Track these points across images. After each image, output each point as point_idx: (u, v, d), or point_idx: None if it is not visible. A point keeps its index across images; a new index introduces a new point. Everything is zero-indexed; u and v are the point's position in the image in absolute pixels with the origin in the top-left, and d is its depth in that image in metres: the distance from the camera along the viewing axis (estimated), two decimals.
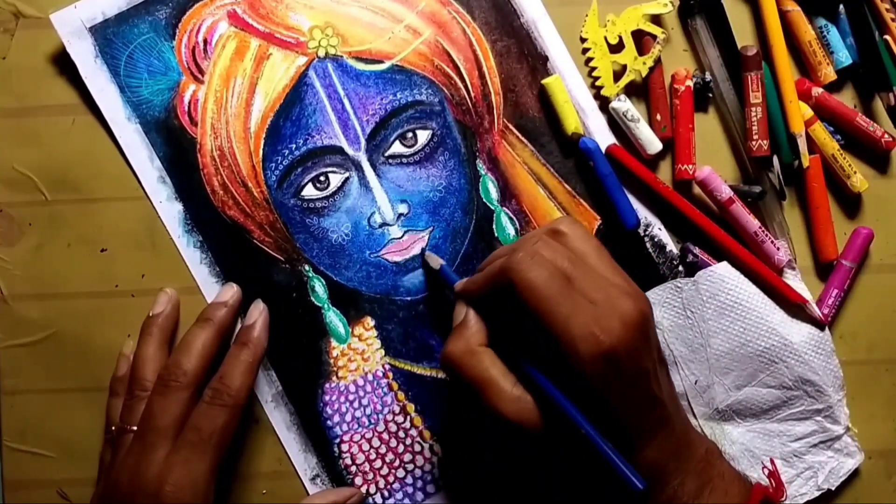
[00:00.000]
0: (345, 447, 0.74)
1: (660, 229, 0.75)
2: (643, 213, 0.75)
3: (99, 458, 0.73)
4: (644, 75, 0.74)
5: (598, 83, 0.75)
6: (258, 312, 0.73)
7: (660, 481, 0.61)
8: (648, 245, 0.75)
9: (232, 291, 0.73)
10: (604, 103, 0.75)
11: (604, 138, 0.75)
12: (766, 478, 0.69)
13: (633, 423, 0.60)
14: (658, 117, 0.74)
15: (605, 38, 0.74)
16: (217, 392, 0.68)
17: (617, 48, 0.74)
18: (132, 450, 0.67)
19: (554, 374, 0.60)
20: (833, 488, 0.73)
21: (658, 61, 0.75)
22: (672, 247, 0.75)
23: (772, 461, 0.71)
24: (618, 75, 0.75)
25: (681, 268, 0.75)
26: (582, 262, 0.62)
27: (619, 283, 0.62)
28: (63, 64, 0.74)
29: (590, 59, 0.75)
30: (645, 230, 0.75)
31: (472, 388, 0.62)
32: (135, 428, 0.68)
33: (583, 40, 0.75)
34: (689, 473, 0.62)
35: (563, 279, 0.60)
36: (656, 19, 0.75)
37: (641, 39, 0.75)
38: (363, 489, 0.73)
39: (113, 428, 0.71)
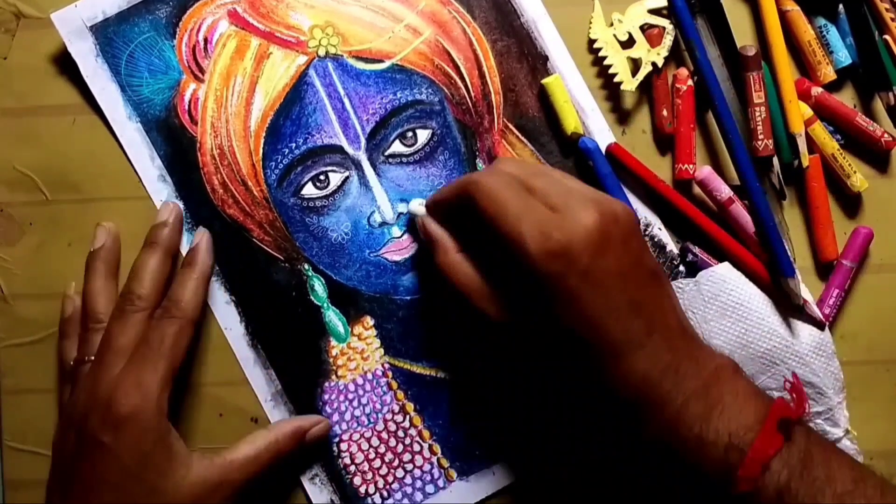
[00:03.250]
0: (344, 446, 0.74)
1: (660, 229, 0.75)
2: (643, 213, 0.75)
3: (57, 400, 0.73)
4: (661, 66, 0.74)
5: (616, 79, 0.74)
6: (200, 236, 0.73)
7: (655, 401, 0.59)
8: (648, 245, 0.75)
9: (169, 209, 0.73)
10: (617, 105, 0.76)
11: (603, 138, 0.75)
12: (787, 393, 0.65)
13: (605, 329, 0.59)
14: (664, 112, 0.74)
15: (615, 36, 0.74)
16: (165, 308, 0.69)
17: (626, 44, 0.75)
18: (90, 372, 0.68)
19: (515, 283, 0.61)
20: None
21: (670, 51, 0.75)
22: (672, 247, 0.75)
23: (794, 374, 0.69)
24: (631, 71, 0.75)
25: (681, 267, 0.75)
26: (545, 174, 0.63)
27: (585, 192, 0.62)
28: (64, 63, 0.74)
29: (603, 58, 0.74)
30: (645, 230, 0.75)
31: (460, 293, 0.65)
32: (93, 357, 0.69)
33: (592, 41, 0.75)
34: (693, 394, 0.59)
35: (521, 187, 0.62)
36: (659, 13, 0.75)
37: (645, 35, 0.75)
38: (362, 489, 0.73)
39: (71, 362, 0.71)
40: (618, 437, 0.64)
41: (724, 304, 0.72)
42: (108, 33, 0.74)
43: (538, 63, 0.76)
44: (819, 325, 0.73)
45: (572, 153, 0.75)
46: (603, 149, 0.74)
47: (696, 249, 0.73)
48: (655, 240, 0.75)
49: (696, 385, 0.59)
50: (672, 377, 0.59)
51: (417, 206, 0.72)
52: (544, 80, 0.75)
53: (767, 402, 0.60)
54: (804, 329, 0.73)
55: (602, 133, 0.75)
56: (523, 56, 0.76)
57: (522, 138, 0.75)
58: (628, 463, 0.69)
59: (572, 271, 0.58)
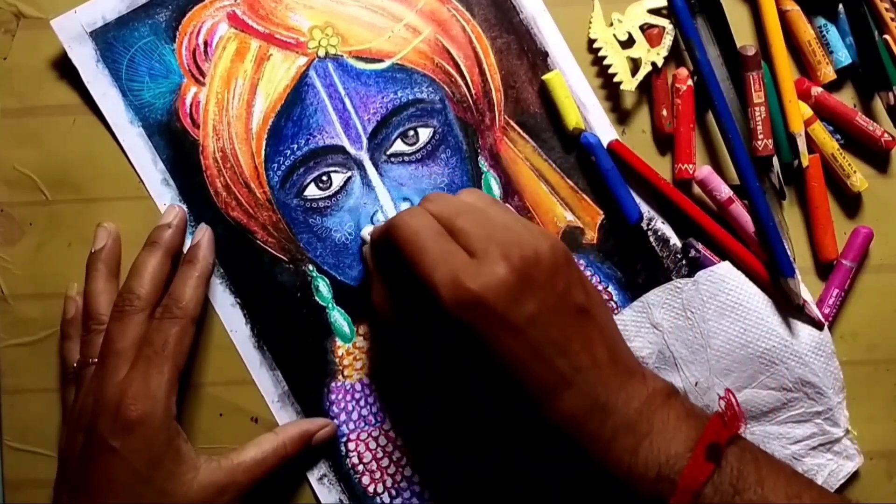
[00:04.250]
0: (352, 446, 0.74)
1: (663, 223, 0.75)
2: (645, 208, 0.75)
3: (60, 401, 0.74)
4: (660, 66, 0.74)
5: (615, 79, 0.74)
6: (202, 233, 0.73)
7: (584, 439, 0.59)
8: (652, 239, 0.75)
9: (175, 212, 0.73)
10: (616, 105, 0.76)
11: (605, 133, 0.75)
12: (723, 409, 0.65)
13: (527, 371, 0.59)
14: (664, 112, 0.74)
15: (615, 36, 0.74)
16: (166, 307, 0.69)
17: (626, 44, 0.75)
18: (95, 375, 0.68)
19: (437, 325, 0.61)
20: (832, 491, 0.73)
21: (670, 51, 0.75)
22: (675, 240, 0.75)
23: (727, 391, 0.70)
24: (631, 71, 0.75)
25: (684, 261, 0.75)
26: (470, 213, 0.63)
27: (509, 232, 0.62)
28: (64, 67, 0.74)
29: (603, 58, 0.75)
30: (648, 224, 0.75)
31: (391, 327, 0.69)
32: (96, 360, 0.69)
33: (591, 41, 0.75)
34: (622, 428, 0.59)
35: (439, 230, 0.61)
36: (658, 13, 0.75)
37: (645, 35, 0.75)
38: (370, 488, 0.74)
39: (75, 365, 0.71)
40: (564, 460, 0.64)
41: (722, 304, 0.73)
42: (108, 38, 0.73)
43: (538, 59, 0.76)
44: (818, 326, 0.73)
45: (574, 148, 0.75)
46: (605, 144, 0.74)
47: (700, 246, 0.74)
48: (658, 233, 0.75)
49: (625, 418, 0.59)
50: (599, 414, 0.59)
51: (367, 233, 0.73)
52: (545, 76, 0.75)
53: (700, 426, 0.59)
54: (804, 329, 0.73)
55: (604, 128, 0.75)
56: (523, 52, 0.76)
57: (524, 135, 0.75)
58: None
59: (487, 320, 0.58)
